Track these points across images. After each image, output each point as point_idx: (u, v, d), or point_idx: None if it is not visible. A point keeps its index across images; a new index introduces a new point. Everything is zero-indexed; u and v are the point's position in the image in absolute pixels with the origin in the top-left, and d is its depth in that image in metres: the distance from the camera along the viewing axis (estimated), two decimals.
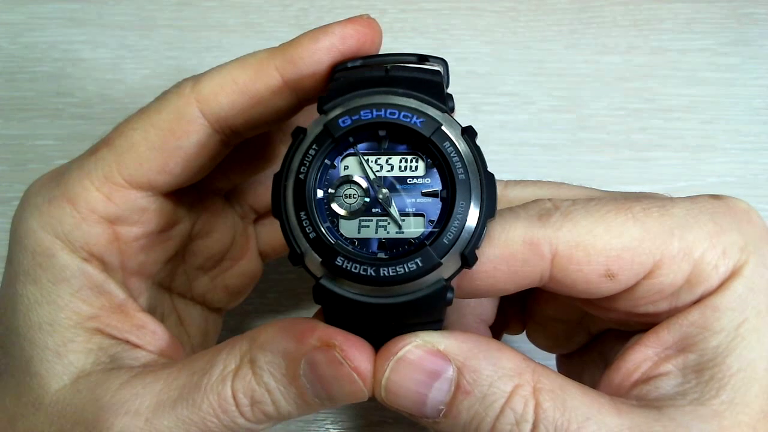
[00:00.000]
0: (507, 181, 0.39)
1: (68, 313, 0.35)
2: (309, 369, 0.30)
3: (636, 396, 0.32)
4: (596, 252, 0.31)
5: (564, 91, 0.61)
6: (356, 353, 0.30)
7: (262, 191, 0.45)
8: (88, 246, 0.35)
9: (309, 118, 0.42)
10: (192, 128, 0.35)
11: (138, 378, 0.33)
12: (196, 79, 0.36)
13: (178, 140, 0.35)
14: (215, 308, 0.46)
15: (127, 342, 0.36)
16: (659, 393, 0.32)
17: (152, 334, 0.37)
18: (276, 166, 0.45)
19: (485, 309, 0.42)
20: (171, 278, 0.42)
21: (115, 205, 0.36)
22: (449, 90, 0.33)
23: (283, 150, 0.44)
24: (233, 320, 0.56)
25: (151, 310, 0.40)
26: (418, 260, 0.29)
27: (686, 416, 0.30)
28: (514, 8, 0.63)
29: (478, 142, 0.32)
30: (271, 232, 0.46)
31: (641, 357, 0.33)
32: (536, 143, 0.60)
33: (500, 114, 0.60)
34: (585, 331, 0.42)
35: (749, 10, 0.62)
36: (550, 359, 0.47)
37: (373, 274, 0.29)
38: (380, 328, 0.31)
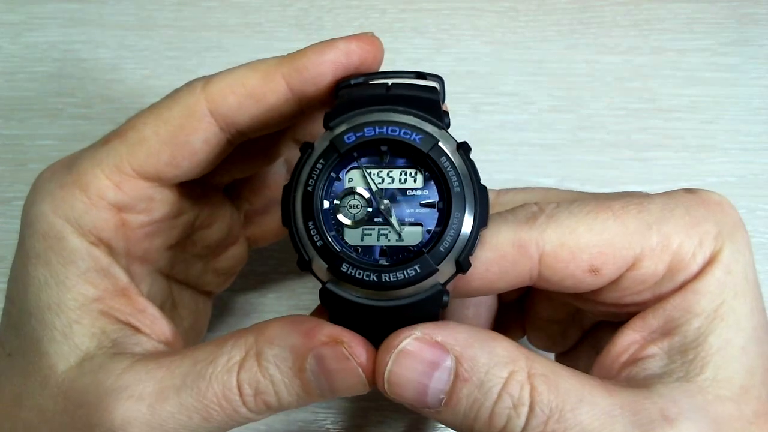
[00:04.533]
0: (499, 190, 0.42)
1: (74, 294, 0.36)
2: (316, 363, 0.32)
3: (625, 377, 0.34)
4: (580, 250, 0.33)
5: (564, 91, 0.61)
6: (361, 350, 0.32)
7: (258, 185, 0.48)
8: (96, 230, 0.37)
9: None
10: (200, 125, 0.37)
11: (140, 363, 0.34)
12: (207, 79, 0.38)
13: (186, 136, 0.37)
14: (205, 291, 0.48)
15: (129, 325, 0.37)
16: (647, 373, 0.34)
17: (152, 318, 0.38)
18: (275, 165, 0.47)
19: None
20: (170, 265, 0.44)
21: (123, 193, 0.37)
22: (447, 98, 0.36)
23: (282, 151, 0.46)
24: (234, 320, 0.56)
25: (152, 296, 0.42)
26: (416, 267, 0.32)
27: (674, 392, 0.32)
28: (514, 8, 0.63)
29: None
30: (260, 223, 0.49)
31: (629, 341, 0.35)
32: (536, 143, 0.60)
33: (500, 114, 0.60)
34: (578, 326, 0.44)
35: (749, 10, 0.62)
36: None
37: (375, 279, 0.32)
38: (381, 327, 0.33)
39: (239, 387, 0.33)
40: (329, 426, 0.54)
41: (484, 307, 0.44)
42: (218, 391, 0.33)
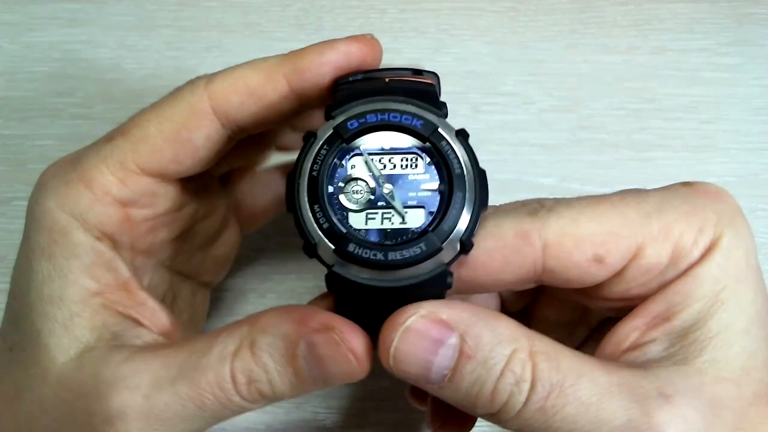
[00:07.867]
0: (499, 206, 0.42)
1: (77, 288, 0.37)
2: (308, 349, 0.33)
3: (625, 362, 0.35)
4: (582, 239, 0.34)
5: (564, 91, 0.61)
6: (353, 336, 0.33)
7: (248, 171, 0.49)
8: (101, 225, 0.38)
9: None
10: (203, 123, 0.38)
11: (138, 355, 0.35)
12: (209, 78, 0.38)
13: (189, 133, 0.38)
14: (204, 282, 0.49)
15: (130, 318, 0.38)
16: (646, 357, 0.35)
17: (152, 311, 0.38)
18: (272, 156, 0.49)
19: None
20: (173, 257, 0.44)
21: (127, 188, 0.38)
22: (447, 98, 0.36)
23: (278, 138, 0.47)
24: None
25: (153, 288, 0.42)
26: (421, 245, 0.32)
27: (671, 374, 0.33)
28: (514, 8, 0.63)
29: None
30: (250, 205, 0.50)
31: (631, 327, 0.36)
32: (536, 143, 0.60)
33: (500, 114, 0.60)
34: (586, 326, 0.45)
35: (749, 10, 0.62)
36: None
37: (382, 258, 0.32)
38: (387, 309, 0.34)
39: (233, 375, 0.33)
40: (329, 426, 0.54)
41: (483, 303, 0.45)
42: (212, 380, 0.33)
